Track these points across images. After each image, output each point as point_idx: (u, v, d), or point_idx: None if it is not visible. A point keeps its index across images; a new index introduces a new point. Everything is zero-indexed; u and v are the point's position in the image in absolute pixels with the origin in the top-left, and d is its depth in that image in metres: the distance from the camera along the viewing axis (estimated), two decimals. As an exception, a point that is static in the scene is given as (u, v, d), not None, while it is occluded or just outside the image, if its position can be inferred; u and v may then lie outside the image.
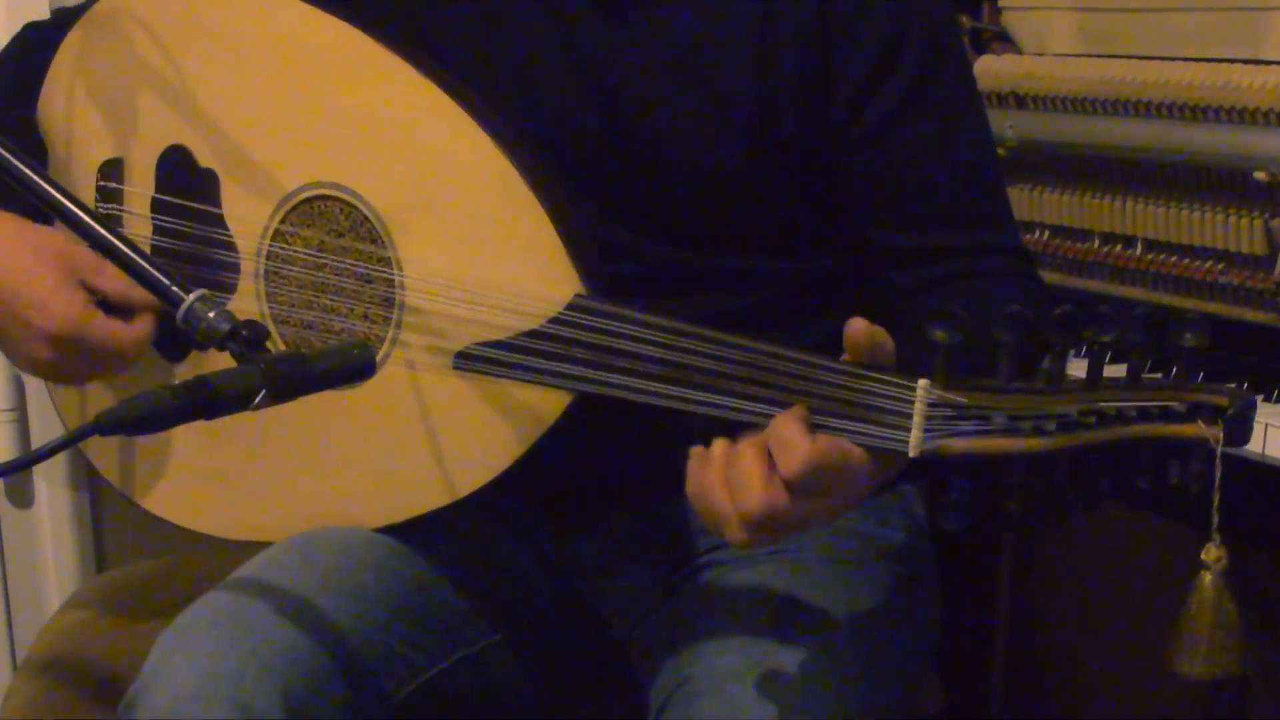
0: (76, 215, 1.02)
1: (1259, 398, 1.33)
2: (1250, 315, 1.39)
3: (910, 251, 1.19)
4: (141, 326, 1.15)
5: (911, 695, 1.22)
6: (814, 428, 0.93)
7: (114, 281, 1.14)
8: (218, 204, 1.23)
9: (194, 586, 1.25)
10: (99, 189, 1.28)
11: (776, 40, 1.15)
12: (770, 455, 0.93)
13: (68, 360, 1.14)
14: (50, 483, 1.74)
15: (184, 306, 0.97)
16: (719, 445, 0.96)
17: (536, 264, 1.09)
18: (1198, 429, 0.89)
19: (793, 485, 0.92)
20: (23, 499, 1.75)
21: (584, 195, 1.17)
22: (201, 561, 1.45)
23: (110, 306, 1.15)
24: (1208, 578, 0.91)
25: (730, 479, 0.94)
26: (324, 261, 1.19)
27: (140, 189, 1.27)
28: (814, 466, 0.91)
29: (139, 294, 1.13)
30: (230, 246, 1.23)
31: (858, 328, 0.94)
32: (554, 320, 1.07)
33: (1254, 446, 1.24)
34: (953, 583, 1.33)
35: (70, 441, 0.91)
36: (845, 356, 0.95)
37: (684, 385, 1.01)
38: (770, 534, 0.94)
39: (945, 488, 0.91)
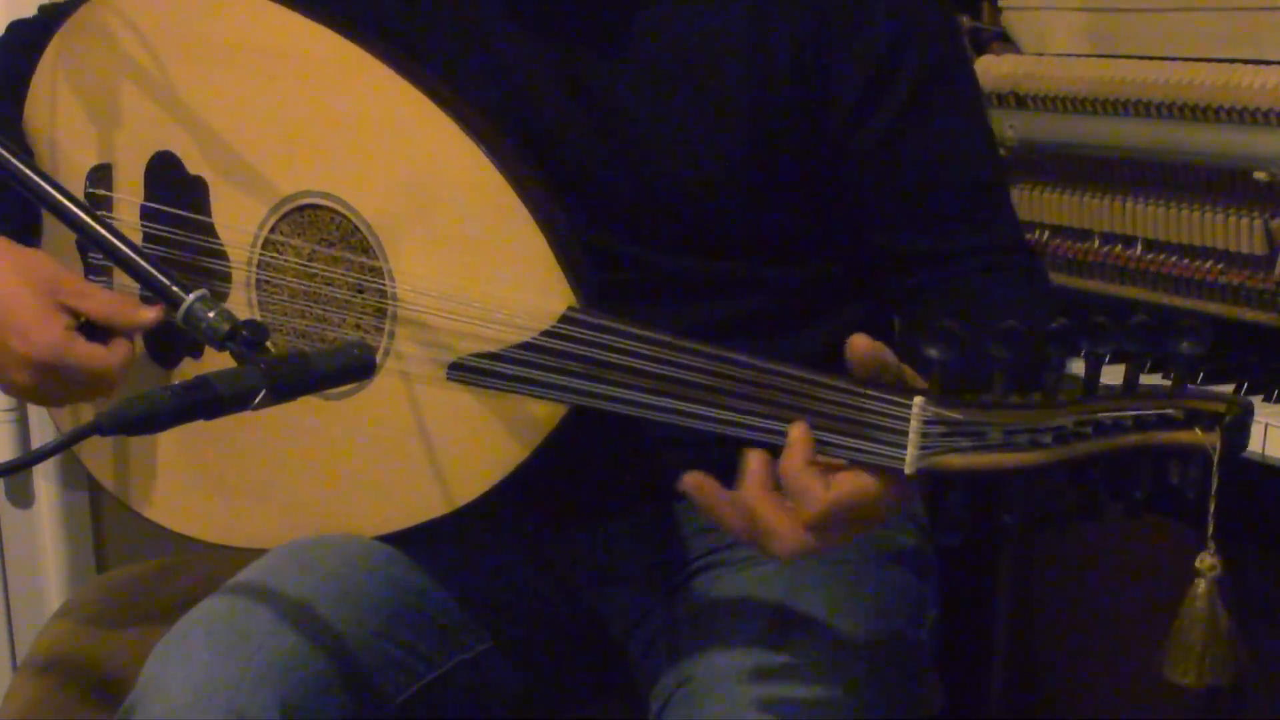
0: (78, 216, 1.02)
1: (1259, 397, 1.33)
2: (1250, 315, 1.39)
3: (913, 255, 1.19)
4: (122, 350, 1.13)
5: (911, 695, 1.21)
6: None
7: (96, 305, 1.12)
8: (208, 212, 1.22)
9: (194, 587, 1.26)
10: (87, 195, 1.27)
11: (772, 49, 1.14)
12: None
13: (47, 384, 1.12)
14: (50, 483, 1.74)
15: (184, 306, 0.96)
16: (703, 485, 0.97)
17: (529, 276, 1.08)
18: (1195, 436, 0.89)
19: (814, 525, 0.94)
20: (23, 499, 1.75)
21: (579, 204, 1.17)
22: (201, 562, 1.45)
23: (91, 330, 1.13)
24: (1201, 586, 0.90)
25: (753, 530, 0.96)
26: (315, 271, 1.18)
27: (129, 196, 1.26)
28: (838, 507, 0.94)
29: (120, 318, 1.12)
30: (221, 255, 1.22)
31: (861, 345, 0.94)
32: (547, 333, 1.07)
33: (1254, 446, 1.24)
34: (953, 583, 1.33)
35: (71, 441, 0.91)
36: (853, 371, 0.95)
37: (679, 399, 1.01)
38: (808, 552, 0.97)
39: (943, 503, 0.91)
